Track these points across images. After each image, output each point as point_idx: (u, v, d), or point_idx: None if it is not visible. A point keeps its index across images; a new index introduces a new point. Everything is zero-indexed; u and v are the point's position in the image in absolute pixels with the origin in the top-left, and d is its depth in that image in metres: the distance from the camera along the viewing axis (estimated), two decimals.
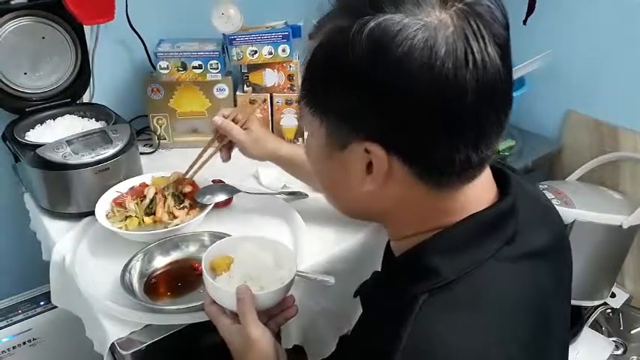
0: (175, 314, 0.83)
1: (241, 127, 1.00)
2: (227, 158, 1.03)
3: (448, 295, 0.51)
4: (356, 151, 0.52)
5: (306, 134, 0.62)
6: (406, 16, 0.46)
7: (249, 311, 0.69)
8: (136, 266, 0.92)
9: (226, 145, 1.02)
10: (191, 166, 1.06)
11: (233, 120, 1.00)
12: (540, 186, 1.36)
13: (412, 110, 0.47)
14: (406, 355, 0.48)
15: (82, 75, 1.23)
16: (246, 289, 0.71)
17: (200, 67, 1.26)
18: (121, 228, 1.00)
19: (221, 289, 0.73)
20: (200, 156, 1.06)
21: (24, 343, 1.28)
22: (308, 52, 0.52)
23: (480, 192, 0.56)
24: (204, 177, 1.10)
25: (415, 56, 0.45)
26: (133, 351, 0.81)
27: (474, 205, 0.55)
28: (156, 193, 1.04)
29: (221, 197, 1.06)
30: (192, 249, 0.98)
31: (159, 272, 0.95)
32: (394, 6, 0.46)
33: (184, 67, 1.26)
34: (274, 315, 0.77)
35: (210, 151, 1.05)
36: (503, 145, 1.40)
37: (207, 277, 0.74)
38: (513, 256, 0.55)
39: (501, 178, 0.59)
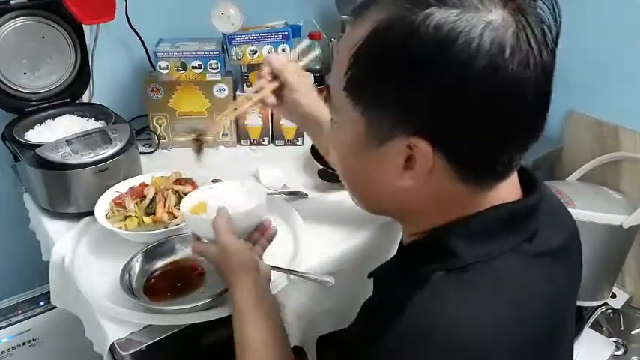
0: (175, 314, 0.83)
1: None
2: (274, 102, 0.92)
3: (464, 276, 0.50)
4: (397, 145, 0.50)
5: (325, 126, 0.58)
6: (470, 12, 0.45)
7: (223, 225, 0.75)
8: (136, 266, 0.92)
9: (276, 89, 0.92)
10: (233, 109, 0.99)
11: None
12: None
13: (471, 109, 0.46)
14: (413, 321, 0.48)
15: (82, 75, 1.22)
16: (223, 210, 0.77)
17: (200, 66, 1.26)
18: (120, 228, 0.99)
19: (200, 218, 0.80)
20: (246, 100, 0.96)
21: (23, 343, 1.28)
22: (355, 37, 0.49)
23: (507, 190, 0.56)
24: (204, 177, 1.09)
25: (482, 55, 0.44)
26: (132, 351, 0.81)
27: (499, 200, 0.55)
28: (156, 193, 1.04)
29: None
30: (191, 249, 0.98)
31: (158, 272, 0.94)
32: (461, 2, 0.46)
33: (184, 66, 1.26)
34: (257, 239, 0.82)
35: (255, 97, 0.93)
36: None
37: (186, 213, 0.82)
38: (533, 253, 0.54)
39: (526, 176, 0.59)
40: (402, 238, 0.65)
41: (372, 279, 0.64)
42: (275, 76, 0.91)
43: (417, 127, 0.48)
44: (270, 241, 0.84)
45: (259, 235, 0.83)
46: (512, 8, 0.46)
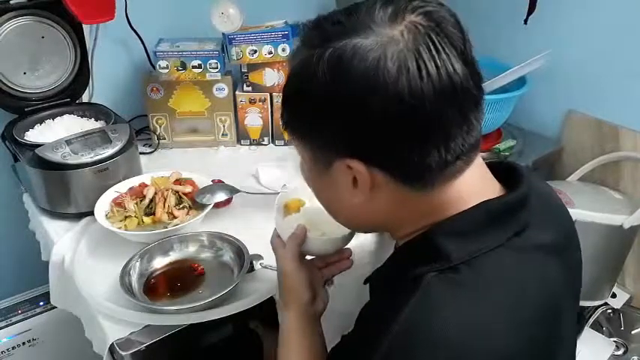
0: (175, 314, 0.83)
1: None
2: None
3: (455, 277, 0.52)
4: (339, 168, 0.54)
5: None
6: (360, 39, 0.49)
7: (291, 247, 0.74)
8: (136, 266, 0.92)
9: None
10: None
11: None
12: None
13: (377, 124, 0.50)
14: (405, 324, 0.49)
15: (82, 74, 1.22)
16: (302, 229, 0.75)
17: (199, 66, 1.26)
18: (120, 228, 0.99)
19: (283, 224, 0.78)
20: None
21: (23, 343, 1.28)
22: (284, 84, 0.57)
23: (488, 187, 0.57)
24: (204, 177, 1.09)
25: (370, 75, 0.48)
26: (132, 351, 0.80)
27: (473, 196, 0.55)
28: (155, 193, 1.04)
29: (221, 197, 1.06)
30: (191, 249, 0.98)
31: (158, 272, 0.94)
32: (352, 31, 0.50)
33: (184, 66, 1.26)
34: (330, 263, 0.80)
35: None
36: (503, 145, 1.39)
37: (277, 212, 0.80)
38: (523, 248, 0.55)
39: (512, 173, 0.60)
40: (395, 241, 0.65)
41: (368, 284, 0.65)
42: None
43: (344, 150, 0.53)
44: (340, 271, 0.80)
45: (335, 260, 0.80)
46: (405, 25, 0.49)
